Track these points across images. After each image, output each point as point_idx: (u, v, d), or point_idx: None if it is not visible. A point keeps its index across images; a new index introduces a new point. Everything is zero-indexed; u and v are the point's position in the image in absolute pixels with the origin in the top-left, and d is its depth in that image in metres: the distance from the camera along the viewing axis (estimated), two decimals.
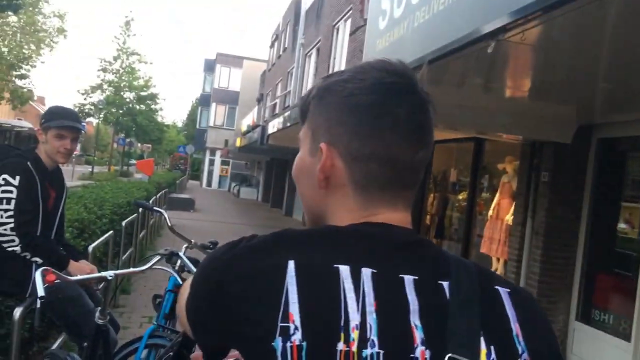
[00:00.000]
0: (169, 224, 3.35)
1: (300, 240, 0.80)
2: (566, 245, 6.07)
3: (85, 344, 2.50)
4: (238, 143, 26.28)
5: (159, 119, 44.66)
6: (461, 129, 6.25)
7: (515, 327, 0.78)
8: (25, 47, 27.89)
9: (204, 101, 48.02)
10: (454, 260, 0.82)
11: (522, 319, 0.79)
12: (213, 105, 44.17)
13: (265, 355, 0.71)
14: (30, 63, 28.27)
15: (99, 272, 2.73)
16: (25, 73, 28.28)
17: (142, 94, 40.20)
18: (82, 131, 3.21)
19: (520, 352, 0.76)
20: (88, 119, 43.57)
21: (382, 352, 0.71)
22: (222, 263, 0.81)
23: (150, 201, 9.69)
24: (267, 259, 0.77)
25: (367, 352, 0.70)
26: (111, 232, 5.30)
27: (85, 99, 38.26)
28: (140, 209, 8.08)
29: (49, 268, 2.08)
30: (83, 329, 2.90)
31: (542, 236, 6.09)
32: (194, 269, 3.00)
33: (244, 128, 27.68)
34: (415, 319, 0.74)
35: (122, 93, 39.30)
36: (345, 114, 0.85)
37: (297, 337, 0.71)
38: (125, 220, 6.59)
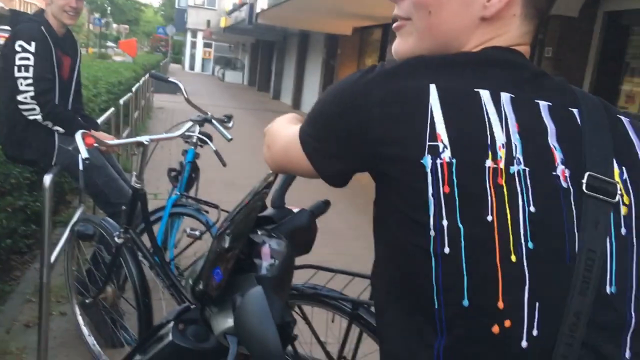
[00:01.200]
0: (186, 96, 3.32)
1: (437, 65, 0.80)
2: None
3: (124, 207, 2.54)
4: (222, 23, 25.40)
5: None
6: None
7: None
8: None
9: None
10: (580, 91, 0.86)
11: None
12: None
13: (412, 172, 0.74)
14: None
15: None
16: None
17: None
18: None
19: None
20: None
21: (527, 169, 0.74)
22: (360, 87, 0.79)
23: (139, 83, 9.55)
24: (406, 82, 0.77)
25: (514, 168, 0.74)
26: (112, 109, 5.23)
27: None
28: (134, 88, 8.02)
29: (87, 131, 2.08)
30: (110, 196, 2.95)
31: None
32: (228, 135, 3.01)
33: (228, 7, 26.60)
34: (553, 141, 0.77)
35: None
36: None
37: (446, 155, 0.73)
38: (123, 99, 6.49)
